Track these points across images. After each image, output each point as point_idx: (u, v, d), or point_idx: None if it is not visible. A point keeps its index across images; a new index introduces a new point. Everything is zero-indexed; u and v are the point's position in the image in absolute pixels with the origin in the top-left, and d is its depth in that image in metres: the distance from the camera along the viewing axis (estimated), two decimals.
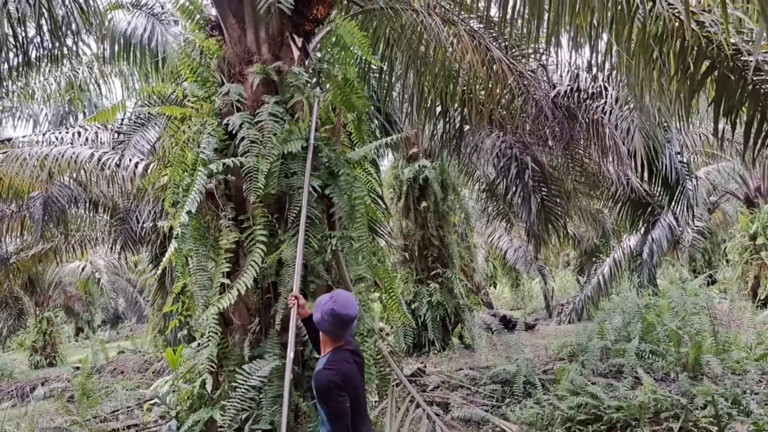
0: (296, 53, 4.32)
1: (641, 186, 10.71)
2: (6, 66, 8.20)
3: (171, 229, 4.19)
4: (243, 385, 3.45)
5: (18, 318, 21.64)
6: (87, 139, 9.46)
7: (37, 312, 19.55)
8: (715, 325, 7.03)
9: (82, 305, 27.62)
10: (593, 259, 17.69)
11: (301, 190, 3.85)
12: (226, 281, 3.74)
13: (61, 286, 21.99)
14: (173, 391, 3.91)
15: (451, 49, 6.36)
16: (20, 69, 8.94)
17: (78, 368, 11.31)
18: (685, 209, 8.50)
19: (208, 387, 3.62)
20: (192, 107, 4.36)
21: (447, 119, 7.51)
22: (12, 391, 10.69)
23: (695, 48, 5.16)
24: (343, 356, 2.82)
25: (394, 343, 10.74)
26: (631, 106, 7.76)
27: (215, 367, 3.72)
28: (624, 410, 5.44)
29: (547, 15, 5.57)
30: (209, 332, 3.72)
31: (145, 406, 4.14)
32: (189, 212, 3.73)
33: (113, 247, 12.21)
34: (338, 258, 4.19)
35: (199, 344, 3.94)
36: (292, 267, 3.77)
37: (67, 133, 9.69)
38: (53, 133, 9.68)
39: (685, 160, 8.63)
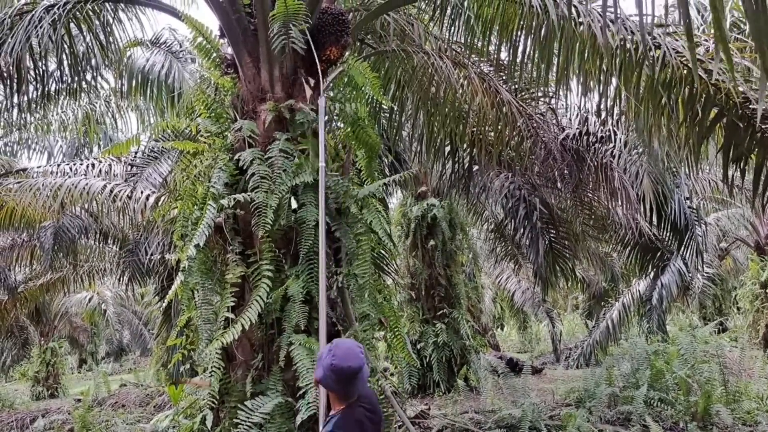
0: (308, 92, 4.40)
1: (650, 230, 10.67)
2: (26, 98, 8.41)
3: (178, 261, 4.21)
4: (245, 422, 3.40)
5: (22, 347, 21.59)
6: (101, 171, 9.60)
7: (42, 342, 19.49)
8: (726, 373, 6.90)
9: (87, 336, 27.53)
10: (602, 303, 17.53)
11: (308, 225, 3.87)
12: (231, 315, 3.73)
13: (67, 316, 21.98)
14: (173, 427, 3.86)
15: (461, 91, 6.46)
16: (39, 101, 9.16)
17: (79, 400, 11.21)
18: (694, 255, 8.44)
19: (209, 423, 3.58)
20: (205, 142, 4.43)
21: (456, 159, 7.58)
22: (12, 422, 10.58)
23: (703, 95, 5.22)
24: (355, 416, 2.50)
25: (398, 384, 10.59)
26: (640, 150, 7.82)
27: (216, 402, 3.68)
28: None
29: (556, 59, 5.68)
30: (212, 367, 3.69)
31: None
32: (197, 245, 3.76)
33: (121, 279, 12.26)
34: (344, 295, 4.18)
35: (201, 379, 3.90)
36: (297, 303, 3.76)
37: (81, 164, 9.84)
38: (67, 164, 9.83)
39: (694, 206, 8.61)
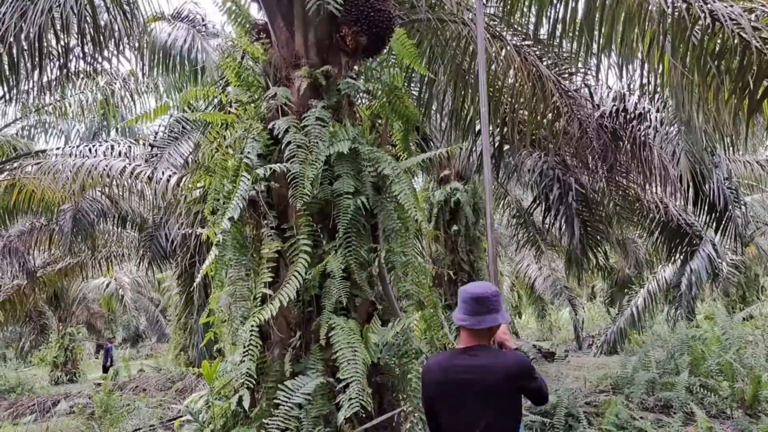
0: (344, 59, 4.17)
1: (680, 214, 10.36)
2: (45, 77, 8.25)
3: (208, 239, 4.01)
4: (286, 402, 3.21)
5: (41, 333, 21.70)
6: (120, 152, 9.46)
7: (60, 327, 19.54)
8: None
9: (104, 323, 27.67)
10: (625, 290, 17.21)
11: (346, 197, 3.66)
12: (269, 292, 3.53)
13: (85, 302, 22.03)
14: (207, 408, 3.68)
15: (495, 65, 6.20)
16: (59, 80, 9.01)
17: (99, 384, 11.16)
18: (733, 237, 8.14)
19: (245, 404, 3.39)
20: (234, 113, 4.22)
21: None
22: (33, 405, 10.54)
23: (755, 66, 4.93)
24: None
25: None
26: (676, 129, 7.51)
27: (253, 383, 3.49)
28: None
29: (598, 29, 5.41)
30: (248, 346, 3.50)
31: (177, 423, 3.91)
32: (231, 218, 3.55)
33: (140, 263, 12.15)
34: (383, 272, 3.97)
35: (237, 358, 3.71)
36: (337, 279, 3.56)
37: (100, 146, 9.71)
38: (87, 146, 9.69)
39: (733, 186, 8.29)
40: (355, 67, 4.31)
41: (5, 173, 10.16)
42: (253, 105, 4.13)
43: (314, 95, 3.99)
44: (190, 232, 9.55)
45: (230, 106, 4.36)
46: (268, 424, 3.18)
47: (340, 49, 4.15)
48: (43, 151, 9.91)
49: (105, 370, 17.55)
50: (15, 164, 10.03)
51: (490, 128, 7.04)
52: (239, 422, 3.58)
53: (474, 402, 2.45)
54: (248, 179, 3.66)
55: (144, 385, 11.62)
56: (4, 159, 10.86)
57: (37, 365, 22.73)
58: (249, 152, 3.80)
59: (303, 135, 3.75)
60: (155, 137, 9.12)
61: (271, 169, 3.62)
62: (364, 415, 3.25)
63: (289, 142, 3.71)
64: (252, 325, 3.46)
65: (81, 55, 6.38)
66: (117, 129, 12.89)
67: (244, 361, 3.55)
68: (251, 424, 3.42)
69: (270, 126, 3.87)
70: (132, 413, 7.98)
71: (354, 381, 3.11)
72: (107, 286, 20.09)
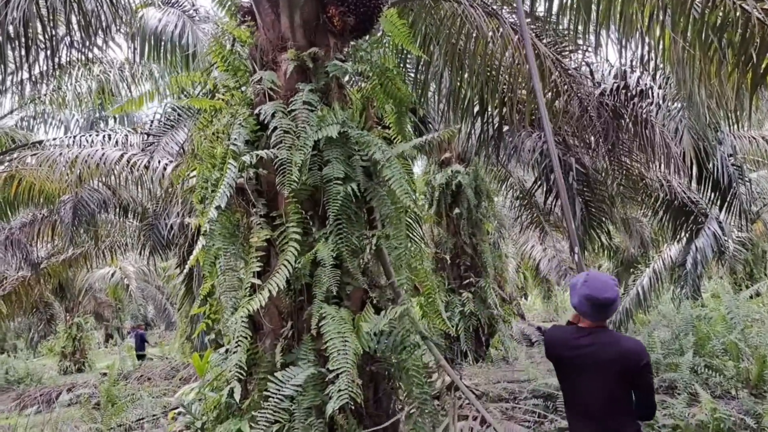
0: (332, 40, 4.05)
1: (684, 193, 10.21)
2: (37, 69, 8.14)
3: (199, 228, 3.95)
4: (276, 394, 3.15)
5: (48, 323, 21.84)
6: (117, 141, 9.38)
7: (67, 318, 19.64)
8: None
9: (112, 312, 27.82)
10: (630, 270, 17.09)
11: (335, 183, 3.56)
12: (257, 281, 3.46)
13: (92, 292, 22.13)
14: (199, 400, 3.63)
15: (492, 45, 6.06)
16: (51, 70, 8.90)
17: (105, 374, 11.19)
18: (737, 215, 8.01)
19: (237, 396, 3.33)
20: (222, 99, 4.12)
21: (485, 119, 7.18)
22: (39, 396, 10.59)
23: (758, 38, 4.79)
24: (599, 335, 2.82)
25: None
26: (679, 106, 7.36)
27: (244, 374, 3.42)
28: (681, 429, 5.01)
29: (596, 3, 5.27)
30: (238, 337, 3.43)
31: (170, 414, 3.87)
32: (218, 207, 3.47)
33: (142, 252, 12.13)
34: (383, 257, 3.88)
35: (227, 350, 3.65)
36: (327, 267, 3.48)
37: (97, 135, 9.63)
38: (83, 136, 9.61)
39: (737, 163, 8.14)
40: (345, 49, 4.19)
41: (4, 165, 10.12)
42: (240, 90, 4.03)
43: (301, 78, 3.88)
44: (187, 221, 9.50)
45: (219, 93, 4.27)
46: (257, 417, 3.12)
47: (327, 30, 4.03)
48: (40, 142, 9.84)
49: (139, 355, 18.18)
50: (14, 155, 9.98)
51: (488, 109, 6.92)
52: (232, 414, 3.52)
53: (594, 376, 2.77)
54: (235, 166, 3.57)
55: (149, 374, 11.66)
56: (3, 150, 10.81)
57: (46, 355, 22.93)
58: (236, 139, 3.70)
59: (290, 120, 3.65)
60: (150, 125, 9.03)
61: (257, 155, 3.53)
62: (355, 406, 3.18)
63: (275, 128, 3.61)
64: (242, 316, 3.39)
65: (69, 43, 6.28)
66: (115, 118, 12.81)
67: (235, 352, 3.49)
68: (243, 416, 3.37)
69: (257, 111, 3.77)
70: (135, 403, 7.98)
71: (343, 371, 3.04)
72: (112, 275, 20.13)
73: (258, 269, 3.53)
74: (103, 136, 9.52)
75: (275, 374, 3.28)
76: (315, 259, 3.54)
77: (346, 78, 4.31)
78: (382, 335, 3.65)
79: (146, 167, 8.09)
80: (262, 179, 3.82)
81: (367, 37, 4.35)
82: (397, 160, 3.77)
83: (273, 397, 3.17)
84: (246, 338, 3.43)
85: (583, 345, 2.79)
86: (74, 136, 9.72)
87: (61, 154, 8.43)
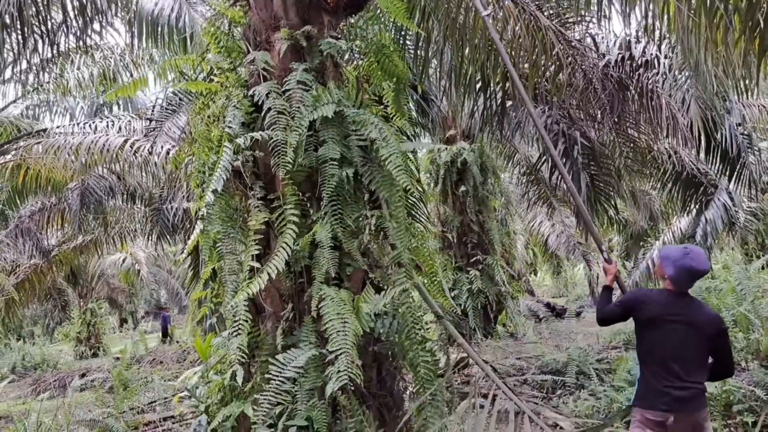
0: (326, 18, 3.98)
1: (693, 164, 10.08)
2: (37, 58, 8.10)
3: (197, 213, 3.93)
4: (278, 376, 3.15)
5: (63, 309, 22.10)
6: (120, 127, 9.36)
7: (81, 304, 19.85)
8: None
9: (125, 297, 28.08)
10: (640, 243, 16.98)
11: (331, 164, 3.52)
12: (256, 264, 3.44)
13: (104, 278, 22.32)
14: (204, 383, 3.65)
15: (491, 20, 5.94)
16: (53, 58, 8.88)
17: (118, 359, 11.33)
18: (747, 184, 7.90)
19: (239, 379, 3.34)
20: (217, 82, 4.08)
21: (488, 95, 7.08)
22: (54, 381, 10.75)
23: (765, 4, 4.67)
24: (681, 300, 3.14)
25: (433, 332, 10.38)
26: (686, 75, 7.22)
27: (246, 357, 3.43)
28: None
29: None
30: (239, 320, 3.43)
31: (176, 398, 3.90)
32: (215, 191, 3.45)
33: (150, 238, 12.18)
34: (378, 239, 3.84)
35: (230, 333, 3.66)
36: (326, 249, 3.46)
37: (101, 122, 9.61)
38: (87, 123, 9.60)
39: (746, 132, 8.00)
40: (340, 27, 4.13)
41: (11, 154, 10.15)
42: (234, 72, 3.98)
43: (295, 58, 3.82)
44: (185, 205, 9.51)
45: (214, 75, 4.22)
46: (259, 399, 3.13)
47: (321, 7, 3.97)
48: (44, 130, 9.84)
49: (165, 335, 19.52)
50: (20, 144, 9.99)
51: (491, 85, 6.82)
52: (236, 396, 3.54)
53: (687, 335, 3.05)
54: (230, 149, 3.54)
55: (161, 357, 11.78)
56: (8, 140, 10.83)
57: (62, 341, 23.24)
58: (231, 121, 3.68)
59: (284, 100, 3.61)
60: (152, 111, 8.99)
61: (252, 137, 3.49)
62: (356, 386, 3.18)
63: (270, 108, 3.57)
64: (242, 299, 3.39)
65: (66, 30, 6.24)
66: (119, 104, 12.78)
67: (237, 336, 3.49)
68: (246, 398, 3.38)
69: (251, 93, 3.73)
70: (147, 386, 8.08)
71: (343, 353, 3.03)
72: (123, 261, 20.28)
73: (257, 252, 3.52)
74: (107, 123, 9.50)
75: (277, 357, 3.28)
76: (314, 240, 3.52)
77: (346, 57, 4.26)
78: (386, 316, 3.63)
79: (149, 152, 8.08)
80: (260, 162, 3.78)
81: (362, 13, 4.28)
82: (395, 139, 3.72)
83: (275, 380, 3.18)
84: (247, 321, 3.43)
85: (680, 306, 3.09)
86: (78, 123, 9.71)
87: (65, 141, 8.42)
